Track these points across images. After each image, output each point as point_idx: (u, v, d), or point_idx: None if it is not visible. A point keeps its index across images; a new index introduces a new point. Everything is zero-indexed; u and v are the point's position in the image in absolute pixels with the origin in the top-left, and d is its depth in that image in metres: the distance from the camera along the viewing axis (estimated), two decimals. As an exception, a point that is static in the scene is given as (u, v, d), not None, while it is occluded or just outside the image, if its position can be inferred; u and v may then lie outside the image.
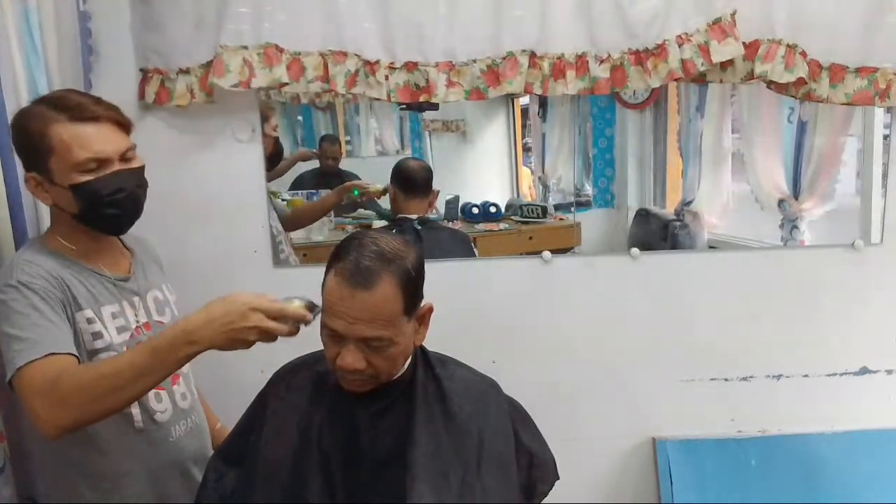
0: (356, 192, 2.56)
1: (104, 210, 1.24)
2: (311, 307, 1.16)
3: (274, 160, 2.25)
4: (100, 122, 1.23)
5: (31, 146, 1.22)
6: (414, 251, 1.13)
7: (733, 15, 1.77)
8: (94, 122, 1.22)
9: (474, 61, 1.84)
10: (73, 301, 1.23)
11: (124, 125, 1.27)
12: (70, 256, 1.28)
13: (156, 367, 1.11)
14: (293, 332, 1.14)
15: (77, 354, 1.17)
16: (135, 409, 1.29)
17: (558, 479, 1.31)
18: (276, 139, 2.21)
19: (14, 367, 1.12)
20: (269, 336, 1.12)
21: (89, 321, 1.25)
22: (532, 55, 1.83)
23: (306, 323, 1.14)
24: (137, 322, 1.34)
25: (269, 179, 2.14)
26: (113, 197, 1.24)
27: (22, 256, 1.25)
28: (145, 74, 1.89)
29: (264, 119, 2.03)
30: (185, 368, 1.28)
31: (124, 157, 1.26)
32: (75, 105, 1.22)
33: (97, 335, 1.25)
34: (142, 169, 1.31)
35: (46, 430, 1.11)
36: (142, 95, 1.89)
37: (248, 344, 1.12)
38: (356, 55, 1.84)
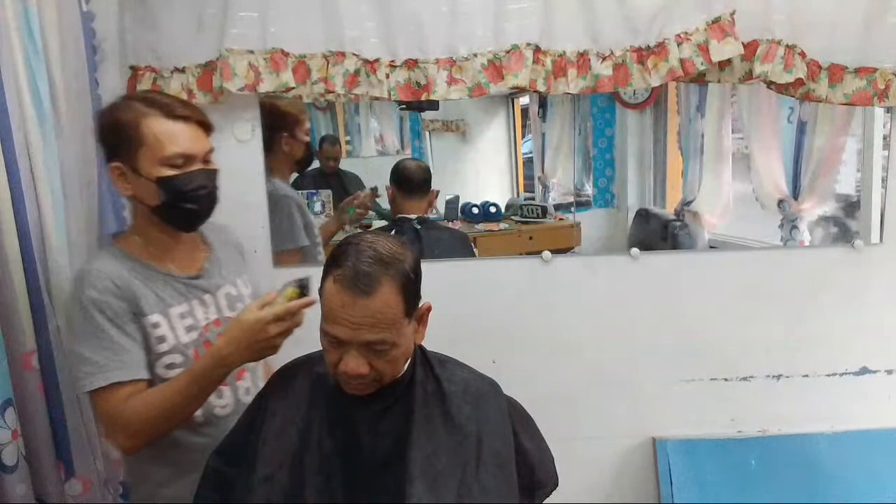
0: (351, 211, 2.55)
1: (184, 204, 1.28)
2: (302, 286, 1.23)
3: (303, 165, 2.19)
4: (189, 122, 1.28)
5: (121, 136, 1.26)
6: (410, 252, 1.13)
7: (732, 14, 1.77)
8: (185, 121, 1.28)
9: (475, 55, 1.83)
10: (139, 308, 1.27)
11: (208, 128, 1.33)
12: (143, 258, 1.32)
13: (198, 392, 1.23)
14: (300, 322, 1.24)
15: (141, 377, 1.25)
16: None
17: (557, 485, 1.31)
18: (308, 143, 2.16)
19: (81, 389, 1.23)
20: (288, 334, 1.23)
21: (154, 325, 1.29)
22: (536, 49, 1.83)
23: (312, 304, 1.21)
24: (207, 319, 1.37)
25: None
26: (195, 192, 1.29)
27: (93, 265, 1.28)
28: (135, 72, 1.88)
29: (297, 123, 2.00)
30: (251, 363, 1.34)
31: (206, 159, 1.32)
32: (167, 103, 1.28)
33: (161, 339, 1.30)
34: (217, 172, 1.35)
35: (118, 448, 1.26)
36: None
37: (276, 349, 1.23)
38: (354, 55, 1.84)
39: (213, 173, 1.33)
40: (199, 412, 1.32)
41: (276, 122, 2.01)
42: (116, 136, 1.27)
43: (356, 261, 1.06)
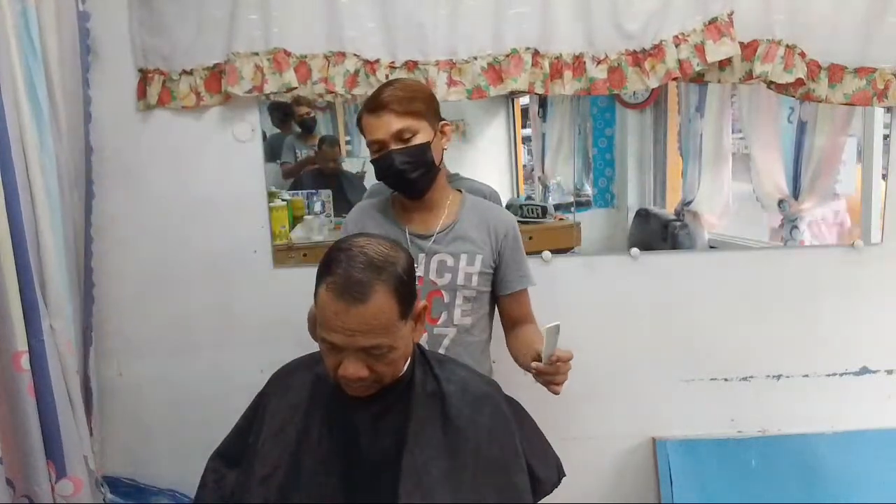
0: None
1: (387, 181, 1.51)
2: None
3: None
4: (379, 111, 1.45)
5: (360, 130, 1.52)
6: (403, 254, 1.12)
7: (730, 15, 1.77)
8: (375, 111, 1.45)
9: (475, 58, 1.84)
10: None
11: (398, 112, 1.44)
12: (388, 210, 1.58)
13: None
14: None
15: None
16: None
17: (564, 475, 1.30)
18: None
19: None
20: None
21: None
22: (535, 53, 1.83)
23: None
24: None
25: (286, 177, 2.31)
26: (387, 170, 1.47)
27: (359, 203, 1.66)
28: (145, 75, 1.89)
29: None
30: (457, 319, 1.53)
31: (400, 138, 1.45)
32: (368, 100, 1.49)
33: None
34: (417, 146, 1.45)
35: None
36: (141, 95, 1.90)
37: None
38: (355, 55, 1.84)
39: (402, 152, 1.45)
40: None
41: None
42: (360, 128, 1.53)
43: (347, 267, 1.05)
